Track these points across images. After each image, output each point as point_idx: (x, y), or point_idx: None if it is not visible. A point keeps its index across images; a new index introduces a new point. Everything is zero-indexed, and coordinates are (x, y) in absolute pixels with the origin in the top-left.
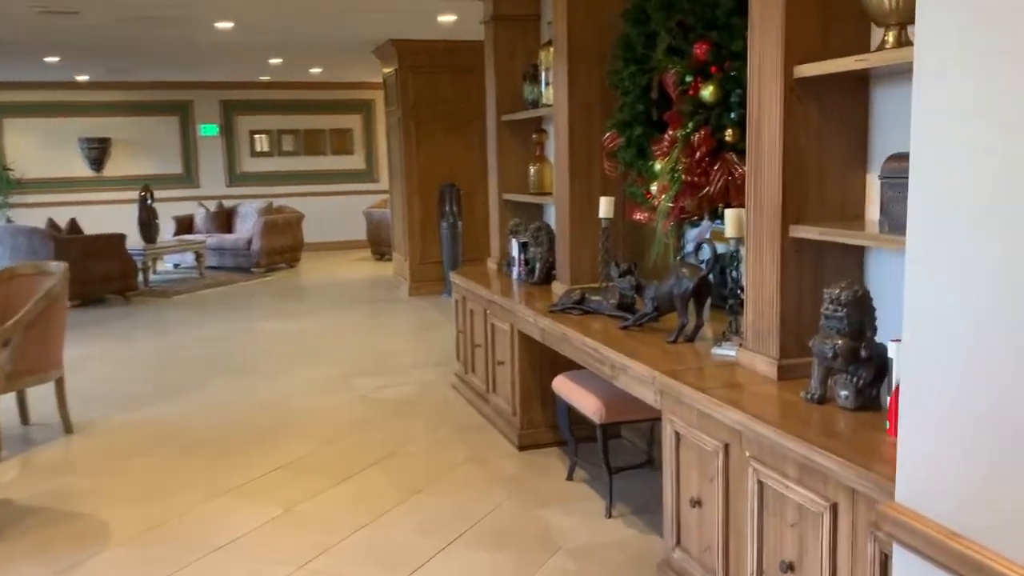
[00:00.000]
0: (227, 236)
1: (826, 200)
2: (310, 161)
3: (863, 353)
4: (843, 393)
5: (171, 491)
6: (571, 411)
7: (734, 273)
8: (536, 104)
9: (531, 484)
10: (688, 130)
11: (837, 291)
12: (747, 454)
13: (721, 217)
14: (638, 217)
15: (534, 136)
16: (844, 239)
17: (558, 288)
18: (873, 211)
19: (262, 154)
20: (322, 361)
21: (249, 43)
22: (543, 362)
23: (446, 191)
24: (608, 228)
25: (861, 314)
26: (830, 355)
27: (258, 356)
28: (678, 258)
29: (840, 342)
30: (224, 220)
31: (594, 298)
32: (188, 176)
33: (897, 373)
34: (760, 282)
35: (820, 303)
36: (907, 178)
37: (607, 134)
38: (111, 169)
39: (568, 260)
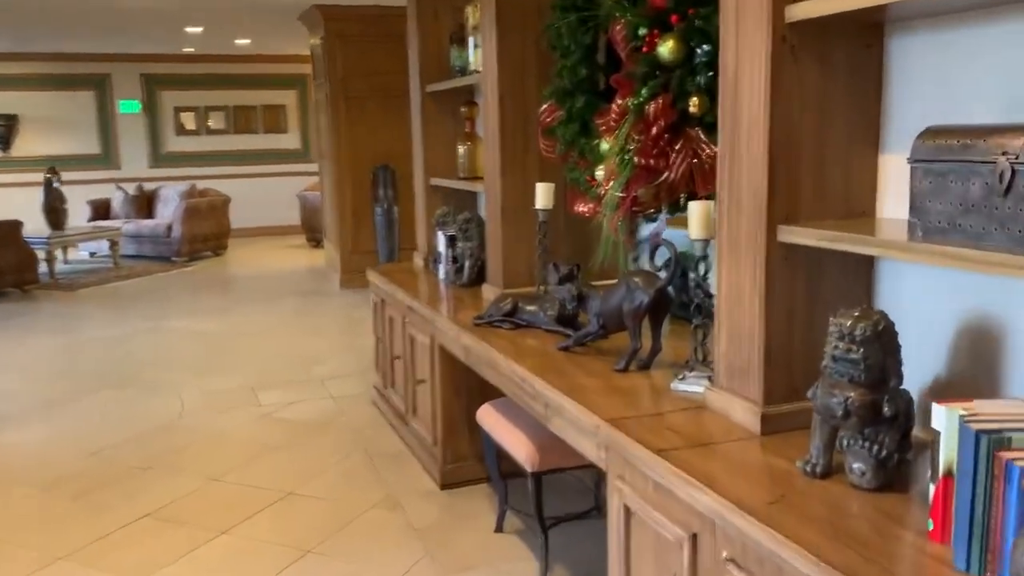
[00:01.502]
0: (145, 222)
1: (826, 191)
2: (240, 140)
3: (886, 410)
4: (857, 466)
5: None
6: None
7: (700, 277)
8: (464, 71)
9: (451, 538)
10: (641, 98)
11: (850, 322)
12: (723, 555)
13: (684, 210)
14: (581, 209)
15: (463, 110)
16: (859, 248)
17: (489, 292)
18: (888, 206)
19: (188, 132)
20: (230, 369)
21: (159, 8)
22: (470, 383)
23: (380, 173)
24: (547, 222)
25: (883, 355)
26: (839, 413)
27: (159, 363)
28: (630, 262)
29: (853, 395)
30: (144, 204)
31: (529, 308)
32: (107, 157)
33: (947, 456)
34: (736, 302)
35: (817, 330)
36: (953, 161)
37: (544, 106)
38: (19, 149)
39: (500, 259)
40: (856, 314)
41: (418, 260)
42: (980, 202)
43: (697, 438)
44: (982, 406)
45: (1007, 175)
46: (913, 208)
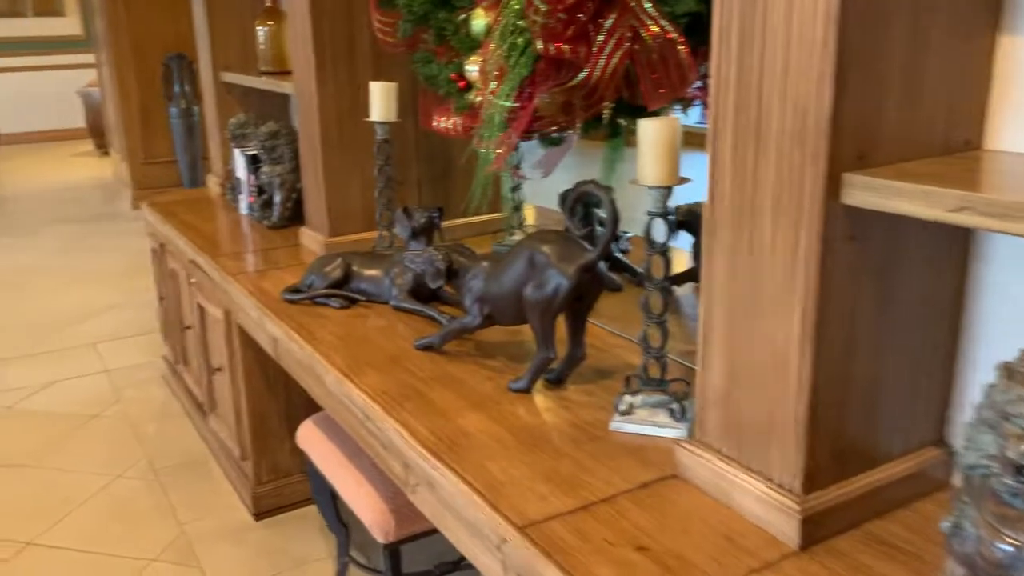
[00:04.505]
0: None
1: (918, 108)
2: (3, 25)
3: None
4: None
5: None
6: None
7: (656, 249)
8: None
9: None
10: None
11: None
12: None
13: (612, 129)
14: (443, 125)
15: None
16: None
17: (310, 240)
18: (1010, 129)
19: None
20: None
21: None
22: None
23: (173, 64)
24: (389, 141)
25: None
26: None
27: None
28: (515, 205)
29: None
30: None
31: (369, 273)
32: None
33: None
34: (750, 311)
35: (887, 356)
36: None
37: None
38: None
39: (323, 194)
40: None
41: (214, 185)
42: None
43: (691, 568)
44: None
45: None
46: None
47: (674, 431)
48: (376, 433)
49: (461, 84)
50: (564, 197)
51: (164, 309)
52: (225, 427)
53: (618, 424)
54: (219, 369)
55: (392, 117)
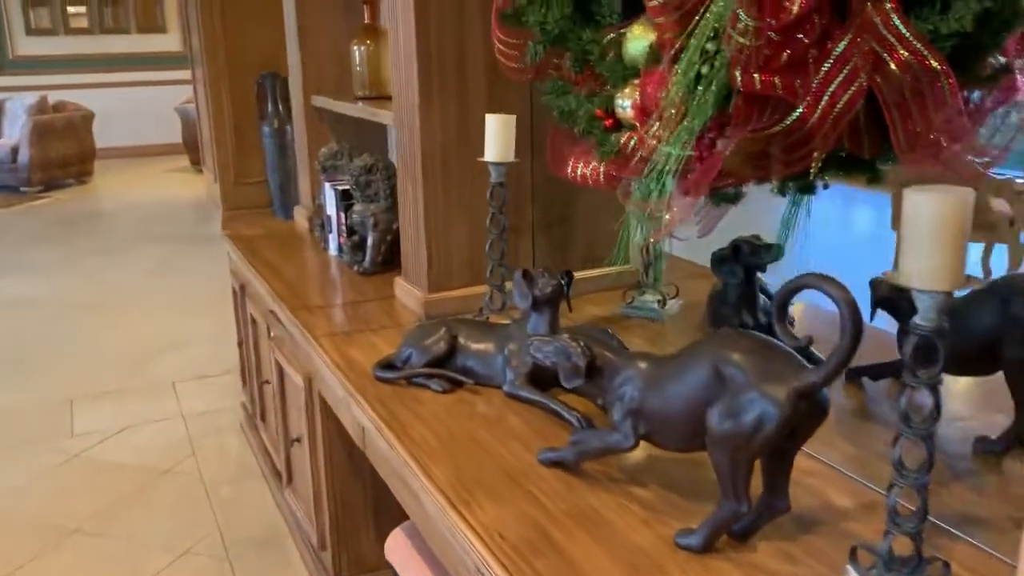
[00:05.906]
0: None
1: None
2: (109, 41)
3: None
4: None
5: None
6: None
7: (922, 381)
8: None
9: None
10: None
11: None
12: None
13: (813, 189)
14: (580, 173)
15: None
16: None
17: (405, 294)
18: None
19: (43, 32)
20: (45, 365)
21: None
22: None
23: (267, 83)
24: (505, 185)
25: None
26: None
27: None
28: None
29: None
30: None
31: (478, 347)
32: None
33: None
34: None
35: None
36: None
37: None
38: None
39: (422, 241)
40: None
41: (301, 219)
42: None
43: None
44: None
45: None
46: None
47: None
48: None
49: (608, 122)
50: (720, 260)
51: (243, 354)
52: (303, 506)
53: None
54: (297, 440)
55: (510, 157)
